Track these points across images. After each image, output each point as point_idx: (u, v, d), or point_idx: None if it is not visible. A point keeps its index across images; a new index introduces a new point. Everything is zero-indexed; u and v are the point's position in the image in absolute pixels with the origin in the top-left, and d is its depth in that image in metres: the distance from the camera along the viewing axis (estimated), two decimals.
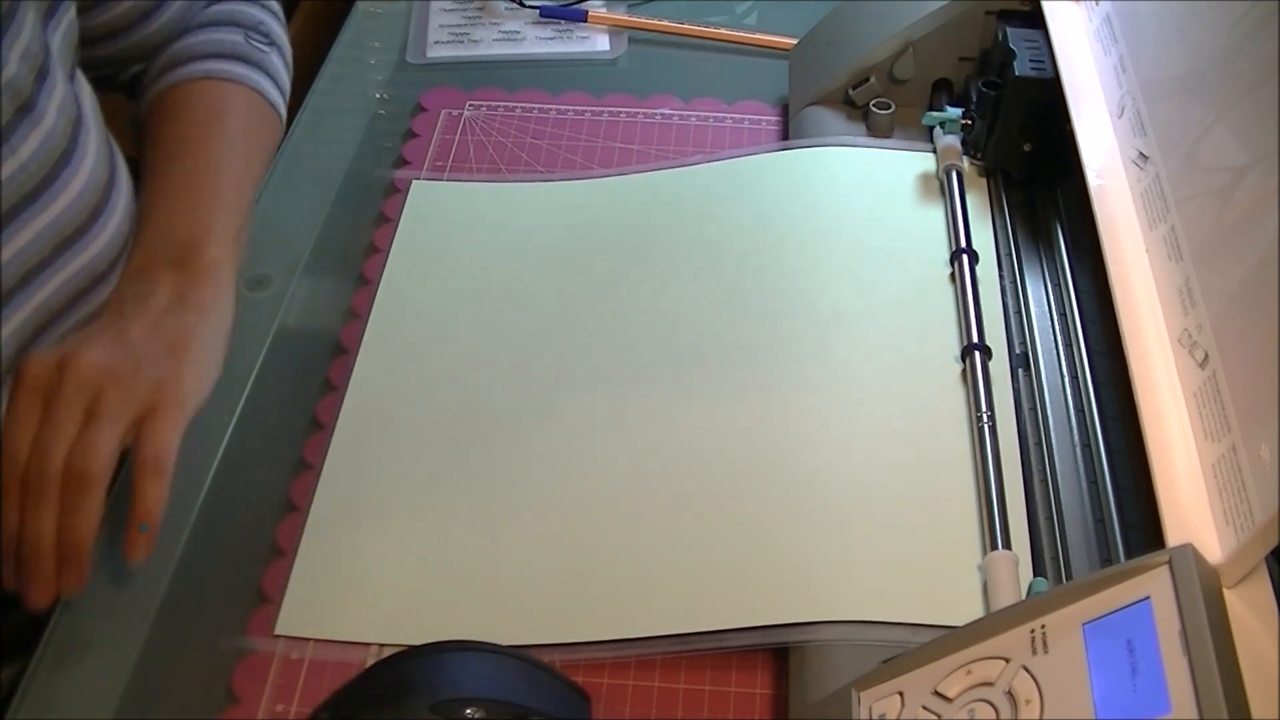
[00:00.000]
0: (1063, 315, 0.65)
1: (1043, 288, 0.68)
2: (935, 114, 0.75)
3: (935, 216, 0.72)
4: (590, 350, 0.68)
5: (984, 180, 0.74)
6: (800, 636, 0.55)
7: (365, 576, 0.59)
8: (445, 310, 0.71)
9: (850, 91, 0.78)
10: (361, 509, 0.61)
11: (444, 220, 0.76)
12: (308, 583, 0.58)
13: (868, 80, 0.78)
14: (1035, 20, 0.71)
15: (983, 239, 0.70)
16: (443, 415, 0.65)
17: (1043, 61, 0.68)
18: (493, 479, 0.62)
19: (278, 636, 0.57)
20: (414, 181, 0.78)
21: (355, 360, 0.68)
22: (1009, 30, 0.71)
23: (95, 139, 0.63)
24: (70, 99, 0.61)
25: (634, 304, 0.70)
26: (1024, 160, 0.72)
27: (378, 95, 0.88)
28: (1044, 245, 0.70)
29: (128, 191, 0.66)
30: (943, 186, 0.74)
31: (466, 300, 0.71)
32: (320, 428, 0.66)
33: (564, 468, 0.62)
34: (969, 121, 0.74)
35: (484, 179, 0.79)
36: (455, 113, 0.85)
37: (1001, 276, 0.68)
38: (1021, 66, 0.68)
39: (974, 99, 0.73)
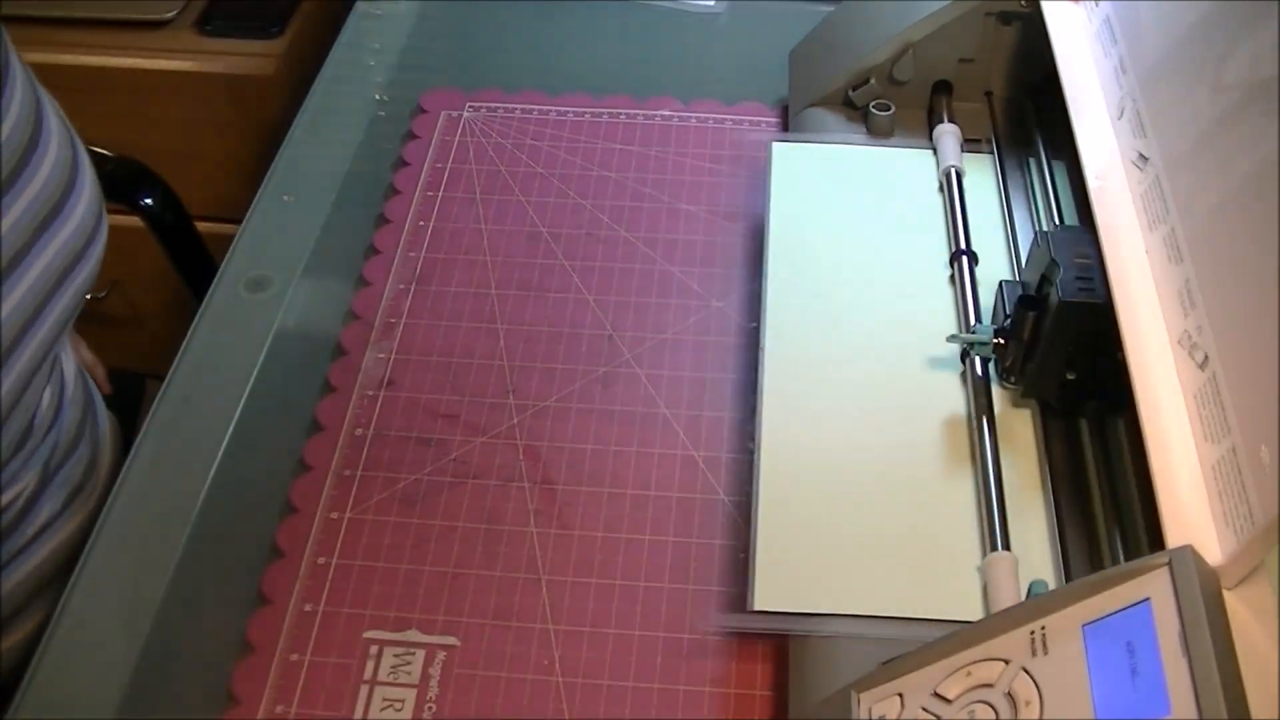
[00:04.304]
0: None
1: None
2: (963, 335, 0.63)
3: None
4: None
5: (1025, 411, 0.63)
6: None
7: (821, 549, 0.58)
8: (834, 265, 0.70)
9: (850, 93, 0.78)
10: (801, 479, 0.61)
11: (810, 180, 0.75)
12: (772, 558, 0.58)
13: (868, 82, 0.78)
14: (1084, 212, 0.60)
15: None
16: (855, 379, 0.65)
17: (1091, 278, 0.56)
18: (911, 446, 0.62)
19: (758, 613, 0.56)
20: (773, 144, 0.77)
21: (764, 325, 0.67)
22: (1053, 238, 0.59)
23: (55, 123, 0.64)
24: (29, 87, 0.62)
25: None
26: (1067, 391, 0.60)
27: (378, 96, 0.88)
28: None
29: (90, 170, 0.67)
30: (942, 186, 0.74)
31: (851, 257, 0.71)
32: (321, 429, 0.66)
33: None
34: (1001, 342, 0.61)
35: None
36: (455, 114, 0.85)
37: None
38: (1067, 288, 0.56)
39: (1006, 313, 0.61)
